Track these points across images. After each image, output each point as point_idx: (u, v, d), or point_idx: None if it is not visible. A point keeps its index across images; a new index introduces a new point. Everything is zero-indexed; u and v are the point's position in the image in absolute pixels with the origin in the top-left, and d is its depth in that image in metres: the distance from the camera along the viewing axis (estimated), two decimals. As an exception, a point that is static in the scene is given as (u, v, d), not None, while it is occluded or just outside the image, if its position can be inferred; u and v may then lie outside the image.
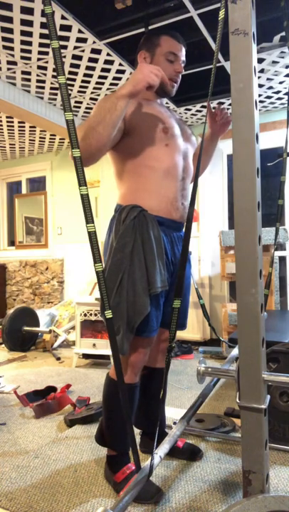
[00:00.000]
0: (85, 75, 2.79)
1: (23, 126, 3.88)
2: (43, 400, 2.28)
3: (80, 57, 2.54)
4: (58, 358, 3.42)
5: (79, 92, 3.09)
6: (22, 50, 2.44)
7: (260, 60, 2.63)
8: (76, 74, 2.78)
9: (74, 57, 2.53)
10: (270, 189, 3.81)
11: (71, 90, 3.05)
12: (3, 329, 3.66)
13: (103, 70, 2.71)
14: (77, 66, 2.66)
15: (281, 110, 3.56)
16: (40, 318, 3.99)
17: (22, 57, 2.53)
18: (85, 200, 1.01)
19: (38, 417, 2.14)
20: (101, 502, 1.38)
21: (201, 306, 1.68)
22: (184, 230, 1.55)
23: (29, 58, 2.54)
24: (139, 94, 1.31)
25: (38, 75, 2.79)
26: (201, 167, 1.84)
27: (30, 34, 2.25)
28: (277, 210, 1.48)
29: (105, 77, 2.83)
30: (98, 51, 2.46)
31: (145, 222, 1.37)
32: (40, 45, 2.37)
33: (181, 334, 3.68)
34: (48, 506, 1.36)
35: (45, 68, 2.69)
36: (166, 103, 3.28)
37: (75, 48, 2.41)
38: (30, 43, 2.35)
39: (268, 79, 2.92)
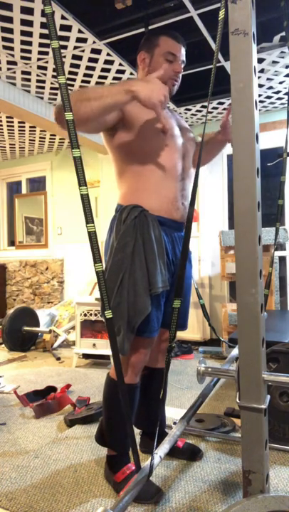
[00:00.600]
0: (85, 75, 2.79)
1: (23, 126, 3.88)
2: (43, 400, 2.28)
3: (80, 57, 2.54)
4: (58, 358, 3.42)
5: (79, 92, 3.09)
6: (22, 50, 2.44)
7: (260, 60, 2.63)
8: (76, 74, 2.78)
9: (74, 57, 2.53)
10: (270, 189, 3.81)
11: (71, 90, 3.02)
12: (3, 329, 3.66)
13: (103, 70, 2.71)
14: (77, 66, 2.66)
15: (281, 110, 3.56)
16: (40, 318, 3.99)
17: (22, 57, 2.53)
18: (85, 200, 1.01)
19: (38, 417, 2.14)
20: (101, 502, 1.38)
21: (201, 306, 1.68)
22: (183, 230, 1.55)
23: (29, 58, 2.53)
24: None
25: (38, 75, 2.79)
26: (202, 162, 1.84)
27: (30, 34, 2.25)
28: (277, 210, 1.48)
29: (105, 77, 2.83)
30: (98, 51, 2.46)
31: (146, 222, 1.37)
32: (40, 45, 2.37)
33: (181, 334, 3.68)
34: (48, 506, 1.36)
35: (45, 68, 2.69)
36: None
37: (75, 48, 2.41)
38: (30, 43, 2.35)
39: (267, 79, 2.92)
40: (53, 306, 4.58)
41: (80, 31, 2.23)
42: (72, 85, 2.95)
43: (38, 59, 2.55)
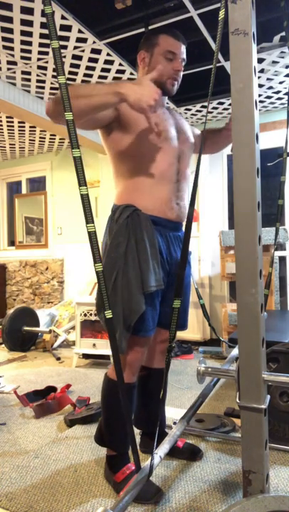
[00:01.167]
0: (85, 75, 2.79)
1: (23, 126, 3.88)
2: (43, 400, 2.28)
3: (80, 57, 2.54)
4: (58, 358, 3.42)
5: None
6: (22, 50, 2.43)
7: (260, 60, 2.63)
8: (76, 74, 2.78)
9: (74, 57, 2.53)
10: (270, 189, 3.81)
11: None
12: (3, 329, 3.66)
13: (103, 70, 2.71)
14: (77, 66, 2.66)
15: (281, 110, 3.56)
16: (40, 318, 3.99)
17: (22, 57, 2.53)
18: (85, 200, 1.01)
19: (38, 417, 2.14)
20: (101, 502, 1.38)
21: (201, 306, 1.68)
22: (182, 229, 1.55)
23: (29, 58, 2.53)
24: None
25: (38, 75, 2.79)
26: (208, 150, 1.83)
27: (30, 34, 2.25)
28: (277, 210, 1.48)
29: (105, 77, 2.83)
30: (98, 51, 2.46)
31: (138, 222, 1.38)
32: (40, 45, 2.37)
33: (181, 334, 3.68)
34: (48, 506, 1.36)
35: (45, 68, 2.69)
36: (167, 103, 3.28)
37: (75, 48, 2.41)
38: (30, 43, 2.35)
39: (267, 79, 2.92)
40: (53, 306, 4.58)
41: (80, 31, 2.23)
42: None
43: (38, 59, 2.55)
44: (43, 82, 2.90)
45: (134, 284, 1.33)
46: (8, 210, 5.43)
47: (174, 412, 2.12)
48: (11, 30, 2.21)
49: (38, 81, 2.89)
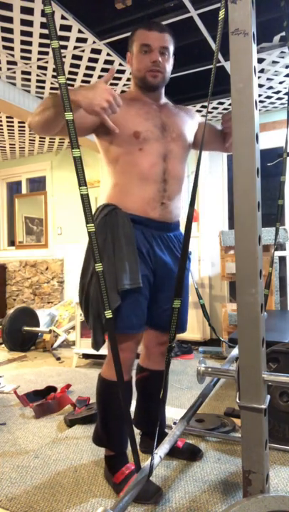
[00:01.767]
0: (85, 75, 2.79)
1: (23, 126, 3.88)
2: (43, 400, 2.28)
3: (80, 57, 2.54)
4: (58, 358, 3.42)
5: (79, 92, 3.09)
6: (22, 50, 2.43)
7: (260, 60, 2.63)
8: (76, 74, 2.78)
9: (74, 57, 2.53)
10: (270, 189, 3.81)
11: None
12: (3, 329, 3.66)
13: (103, 70, 2.71)
14: (77, 66, 2.66)
15: (281, 110, 3.56)
16: (40, 318, 3.99)
17: (22, 57, 2.53)
18: (85, 200, 1.01)
19: (38, 417, 2.14)
20: (101, 502, 1.38)
21: (201, 306, 1.68)
22: (173, 230, 1.53)
23: (29, 58, 2.53)
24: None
25: (38, 75, 2.79)
26: (223, 151, 1.72)
27: (30, 34, 2.24)
28: (278, 210, 1.48)
29: (105, 77, 2.83)
30: (98, 51, 2.46)
31: (116, 220, 1.38)
32: (40, 45, 2.37)
33: (181, 334, 3.68)
34: (48, 506, 1.36)
35: (45, 68, 2.69)
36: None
37: (75, 48, 2.41)
38: (30, 43, 2.35)
39: (268, 79, 2.92)
40: (53, 306, 4.58)
41: (80, 31, 2.23)
42: (72, 85, 2.95)
43: (38, 59, 2.55)
44: (43, 82, 2.90)
45: (108, 282, 1.31)
46: (8, 210, 5.43)
47: (174, 412, 2.12)
48: (11, 30, 2.21)
49: (38, 81, 2.89)
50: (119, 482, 1.41)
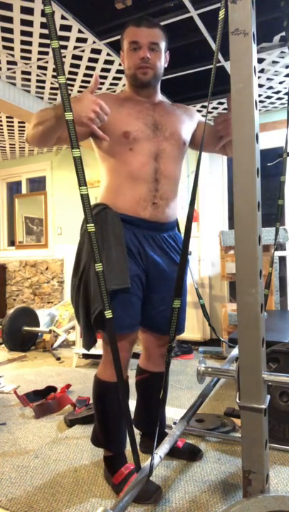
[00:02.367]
0: (85, 75, 2.79)
1: (23, 126, 3.88)
2: (43, 400, 2.28)
3: (80, 57, 2.54)
4: (58, 358, 3.42)
5: (79, 92, 3.09)
6: (22, 50, 2.43)
7: (260, 60, 2.63)
8: (76, 74, 2.78)
9: (74, 57, 2.53)
10: (270, 189, 3.81)
11: (71, 90, 3.04)
12: (3, 329, 3.66)
13: (103, 70, 2.71)
14: (77, 66, 2.66)
15: (281, 110, 3.56)
16: (40, 318, 3.99)
17: (22, 57, 2.53)
18: (85, 200, 1.01)
19: (38, 417, 2.14)
20: (101, 502, 1.38)
21: (201, 306, 1.68)
22: (168, 230, 1.51)
23: (29, 58, 2.53)
24: None
25: (38, 75, 2.79)
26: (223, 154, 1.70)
27: (30, 34, 2.24)
28: (278, 210, 1.48)
29: (105, 77, 2.83)
30: (98, 51, 2.46)
31: (105, 219, 1.38)
32: (40, 45, 2.37)
33: (181, 334, 3.68)
34: (48, 506, 1.36)
35: (45, 68, 2.69)
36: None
37: (75, 47, 2.41)
38: (30, 43, 2.35)
39: (267, 79, 2.92)
40: (53, 306, 4.58)
41: (80, 31, 2.23)
42: (72, 85, 2.95)
43: (38, 59, 2.55)
44: (43, 82, 2.90)
45: (95, 281, 1.31)
46: (8, 210, 5.43)
47: (174, 412, 2.12)
48: (11, 30, 2.21)
49: (38, 81, 2.89)
50: (118, 483, 1.41)
